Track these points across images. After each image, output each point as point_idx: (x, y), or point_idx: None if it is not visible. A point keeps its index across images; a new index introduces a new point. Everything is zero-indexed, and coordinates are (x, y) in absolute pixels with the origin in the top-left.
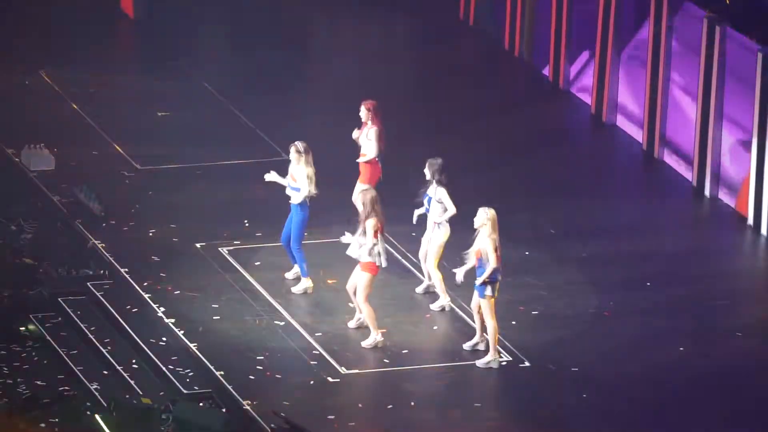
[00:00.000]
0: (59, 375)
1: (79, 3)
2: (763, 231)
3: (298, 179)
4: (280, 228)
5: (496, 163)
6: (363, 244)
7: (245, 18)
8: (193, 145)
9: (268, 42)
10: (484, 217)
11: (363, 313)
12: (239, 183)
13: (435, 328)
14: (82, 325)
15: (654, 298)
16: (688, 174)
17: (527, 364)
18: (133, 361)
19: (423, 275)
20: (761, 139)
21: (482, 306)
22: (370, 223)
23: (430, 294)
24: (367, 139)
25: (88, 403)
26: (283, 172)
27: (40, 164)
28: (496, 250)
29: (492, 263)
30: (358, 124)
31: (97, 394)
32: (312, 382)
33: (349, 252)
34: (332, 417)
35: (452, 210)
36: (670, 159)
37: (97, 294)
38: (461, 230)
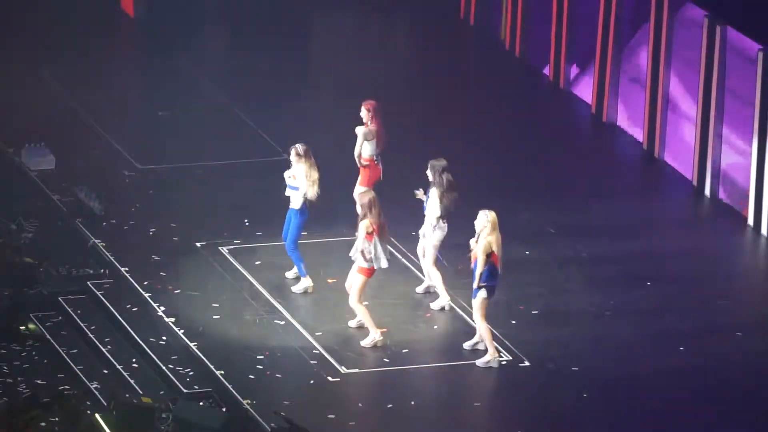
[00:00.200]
0: (59, 374)
1: (79, 2)
2: (763, 231)
3: (298, 178)
4: (280, 227)
5: (495, 163)
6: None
7: (246, 17)
8: (193, 144)
9: (268, 41)
10: (485, 220)
11: (357, 313)
12: (239, 183)
13: (435, 327)
14: (82, 325)
15: (654, 298)
16: (688, 173)
17: (527, 363)
18: (134, 360)
19: (423, 275)
20: (761, 139)
21: (473, 306)
22: (363, 225)
23: (431, 294)
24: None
25: (88, 402)
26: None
27: (40, 163)
28: (492, 254)
29: (480, 266)
30: (359, 124)
31: (97, 393)
32: (312, 382)
33: (351, 254)
34: (332, 416)
35: (436, 212)
36: (670, 158)
37: (98, 293)
38: (461, 230)
